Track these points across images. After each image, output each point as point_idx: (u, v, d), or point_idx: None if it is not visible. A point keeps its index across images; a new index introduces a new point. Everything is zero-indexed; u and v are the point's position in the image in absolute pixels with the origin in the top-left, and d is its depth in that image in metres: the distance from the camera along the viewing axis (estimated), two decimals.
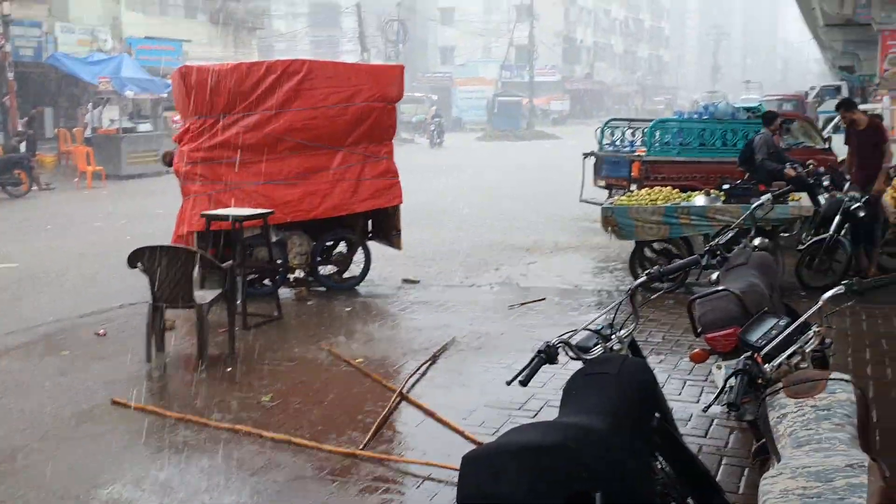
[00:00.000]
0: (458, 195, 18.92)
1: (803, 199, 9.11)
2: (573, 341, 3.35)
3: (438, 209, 16.54)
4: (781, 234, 9.69)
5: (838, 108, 10.08)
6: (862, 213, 9.02)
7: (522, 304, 8.59)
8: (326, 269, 9.64)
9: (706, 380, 6.02)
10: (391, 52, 51.23)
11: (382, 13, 55.89)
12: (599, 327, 3.52)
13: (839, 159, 13.20)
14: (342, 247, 9.80)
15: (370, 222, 9.86)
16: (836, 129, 17.76)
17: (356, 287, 9.44)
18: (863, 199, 9.16)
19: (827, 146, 13.26)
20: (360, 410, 5.63)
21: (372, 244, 9.77)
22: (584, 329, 3.48)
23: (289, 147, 8.82)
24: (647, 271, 3.82)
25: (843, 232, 9.03)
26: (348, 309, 8.60)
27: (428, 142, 37.95)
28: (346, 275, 9.64)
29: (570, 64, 72.81)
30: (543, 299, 8.77)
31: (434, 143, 37.68)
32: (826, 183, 9.89)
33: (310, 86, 8.84)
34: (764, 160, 10.47)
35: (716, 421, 5.27)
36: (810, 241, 9.10)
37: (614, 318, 3.58)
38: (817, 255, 8.97)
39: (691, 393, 5.82)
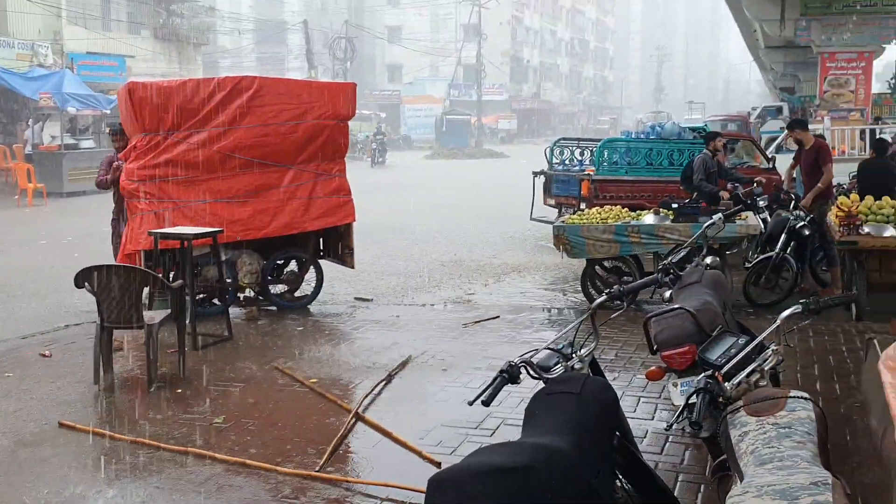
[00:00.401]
0: (410, 214, 18.92)
1: (750, 217, 9.30)
2: (535, 360, 3.35)
3: (391, 228, 16.52)
4: (727, 252, 9.89)
5: (790, 127, 10.34)
6: (807, 232, 9.27)
7: (476, 322, 8.61)
8: (277, 288, 9.56)
9: (660, 397, 6.09)
10: (339, 70, 51.20)
11: (329, 30, 55.98)
12: (560, 346, 3.54)
13: (783, 178, 13.58)
14: (293, 265, 9.72)
15: (322, 241, 9.81)
16: (778, 149, 18.30)
17: (308, 306, 9.37)
18: (807, 218, 9.43)
19: (771, 165, 13.59)
20: (316, 431, 5.56)
21: (324, 263, 9.72)
22: (545, 348, 3.49)
23: (239, 164, 8.72)
24: (607, 290, 3.85)
25: (788, 250, 9.26)
26: (300, 328, 8.52)
27: (369, 161, 36.51)
28: (297, 294, 9.57)
29: (517, 83, 73.64)
30: (497, 317, 8.80)
31: (376, 162, 36.16)
32: (763, 203, 10.09)
33: (260, 102, 8.76)
34: (701, 181, 10.66)
35: (671, 438, 5.32)
36: (757, 259, 9.31)
37: (575, 336, 3.60)
38: (764, 273, 9.17)
39: (646, 410, 5.87)
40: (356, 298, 9.98)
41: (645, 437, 5.33)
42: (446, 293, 10.39)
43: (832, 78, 20.34)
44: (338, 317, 9.08)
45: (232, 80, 8.79)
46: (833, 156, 12.35)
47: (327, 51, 52.33)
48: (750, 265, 9.36)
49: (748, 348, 3.36)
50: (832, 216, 8.72)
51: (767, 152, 15.84)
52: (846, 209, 8.23)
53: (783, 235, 9.29)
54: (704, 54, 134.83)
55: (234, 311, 8.96)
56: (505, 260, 12.80)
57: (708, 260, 5.64)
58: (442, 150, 48.78)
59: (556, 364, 3.41)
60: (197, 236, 7.76)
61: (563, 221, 9.61)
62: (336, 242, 9.69)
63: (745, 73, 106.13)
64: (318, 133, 9.01)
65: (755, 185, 11.07)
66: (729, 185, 11.09)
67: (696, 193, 10.77)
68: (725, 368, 3.19)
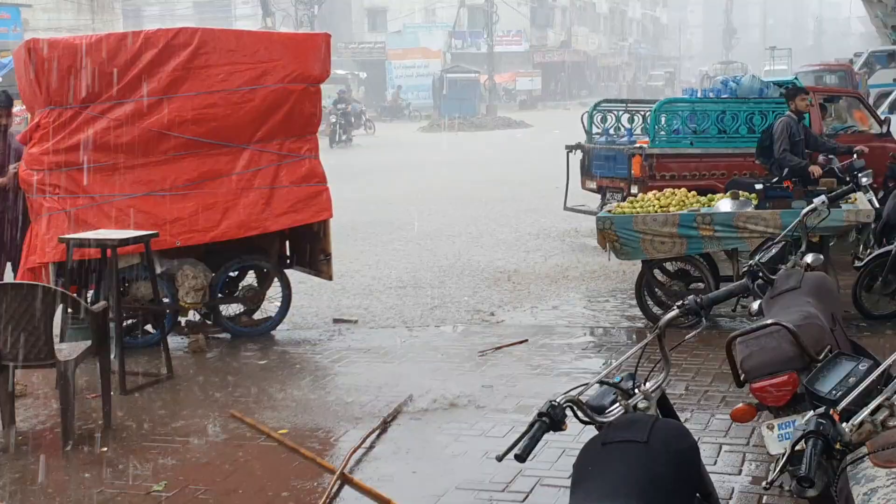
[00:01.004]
0: (405, 205, 18.96)
1: (860, 200, 9.28)
2: (584, 399, 3.32)
3: (379, 225, 16.53)
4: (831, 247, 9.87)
5: None
6: None
7: (498, 348, 8.58)
8: (231, 310, 9.55)
9: (749, 443, 6.07)
10: (303, 17, 51.34)
11: None
12: (617, 379, 3.51)
13: None
14: (251, 278, 9.72)
15: (289, 244, 9.80)
16: (894, 108, 18.27)
17: (272, 332, 9.37)
18: None
19: (885, 130, 13.59)
20: (288, 498, 5.54)
21: (292, 273, 9.71)
22: (598, 382, 3.46)
23: (177, 146, 8.72)
24: (679, 302, 3.81)
25: None
26: (263, 362, 8.50)
27: (328, 140, 34.99)
28: (257, 315, 9.57)
29: (540, 29, 73.79)
30: (525, 341, 8.78)
31: (335, 142, 35.85)
32: (866, 181, 10.08)
33: (204, 62, 8.77)
34: (785, 152, 10.68)
35: (765, 499, 5.29)
36: (871, 256, 9.28)
37: (637, 365, 3.57)
38: (881, 275, 9.15)
39: (731, 462, 5.85)
40: (336, 320, 9.95)
41: (731, 498, 5.31)
42: (457, 311, 10.37)
43: None
44: (312, 345, 9.05)
45: (165, 33, 8.79)
46: None
47: None
48: (862, 264, 9.33)
49: (872, 376, 3.32)
50: None
51: (879, 112, 15.83)
52: None
53: None
54: None
55: (173, 340, 8.94)
56: (532, 265, 12.81)
57: (808, 258, 5.62)
58: (442, 119, 48.87)
59: (613, 403, 3.38)
60: (123, 242, 7.74)
61: (608, 211, 9.60)
62: (308, 246, 9.69)
63: (843, 7, 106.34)
64: (282, 101, 9.01)
65: (855, 156, 11.05)
66: (821, 158, 11.10)
67: (777, 169, 10.77)
68: (842, 404, 3.15)
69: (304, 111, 9.24)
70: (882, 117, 14.25)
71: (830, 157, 11.17)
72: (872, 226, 9.26)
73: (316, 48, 9.29)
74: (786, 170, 10.66)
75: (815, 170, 10.65)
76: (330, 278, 9.69)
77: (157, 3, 60.60)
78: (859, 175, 10.39)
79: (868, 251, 9.54)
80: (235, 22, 58.99)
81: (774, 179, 9.92)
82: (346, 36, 66.85)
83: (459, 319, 9.97)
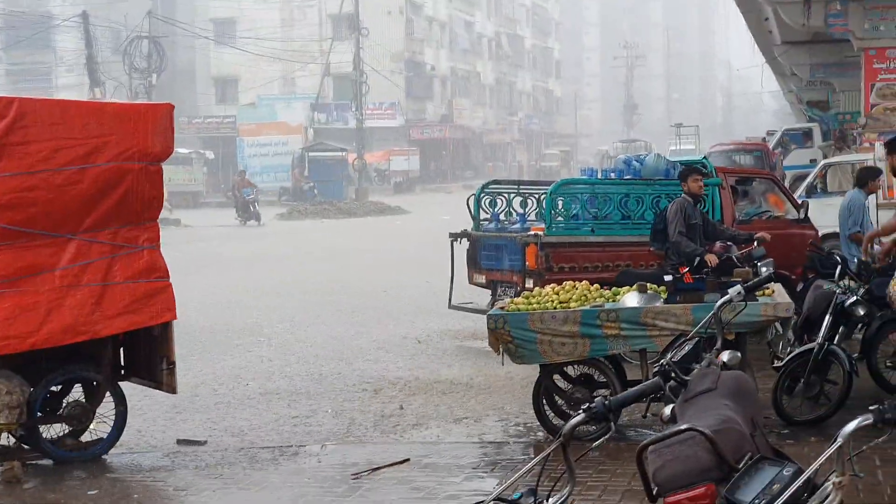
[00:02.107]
0: (259, 305, 18.84)
1: (779, 292, 9.61)
2: None
3: (230, 327, 16.37)
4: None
5: (891, 148, 10.74)
6: (862, 311, 9.61)
7: (375, 469, 8.53)
8: (54, 430, 9.32)
9: None
10: (139, 87, 51.17)
11: (123, 27, 55.89)
12: (517, 496, 3.57)
13: (820, 234, 14.12)
14: (78, 392, 9.50)
15: (124, 351, 9.65)
16: (811, 191, 19.05)
17: (103, 456, 9.18)
18: (862, 289, 9.78)
19: (802, 215, 14.10)
20: None
21: (127, 386, 9.55)
22: (494, 499, 3.52)
23: None
24: (586, 406, 3.91)
25: (837, 339, 9.57)
26: (93, 492, 8.31)
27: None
28: (85, 437, 9.37)
29: (417, 101, 74.90)
30: (407, 460, 8.75)
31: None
32: (766, 270, 10.36)
33: (22, 137, 8.67)
34: (680, 235, 11.04)
35: None
36: (791, 355, 9.57)
37: (538, 481, 3.64)
38: (803, 376, 9.43)
39: None
40: (180, 441, 9.81)
41: None
42: (324, 427, 10.30)
43: (882, 85, 21.39)
44: (153, 471, 8.88)
45: None
46: (891, 197, 12.99)
47: (120, 58, 52.26)
48: (782, 364, 9.62)
49: (798, 482, 3.45)
50: (894, 285, 9.10)
51: (796, 196, 16.47)
52: None
53: (827, 318, 9.60)
54: (693, 55, 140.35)
55: None
56: (412, 373, 12.82)
57: (724, 357, 5.76)
58: (303, 204, 48.88)
59: None
60: None
61: (501, 308, 9.71)
62: (146, 353, 9.53)
63: (755, 82, 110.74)
64: (117, 182, 8.94)
65: (756, 243, 11.47)
66: (718, 245, 11.51)
67: (674, 254, 11.10)
68: None
69: (143, 194, 9.16)
70: (799, 201, 14.79)
71: (729, 244, 11.57)
72: (793, 321, 9.58)
73: (156, 121, 9.26)
74: (677, 256, 11.01)
75: (711, 258, 11.00)
76: (173, 391, 9.53)
77: None
78: (759, 265, 10.77)
79: (788, 349, 9.83)
80: (57, 92, 58.51)
81: (670, 265, 10.23)
82: (190, 109, 66.66)
83: (328, 437, 9.89)
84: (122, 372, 9.65)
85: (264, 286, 21.57)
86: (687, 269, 9.95)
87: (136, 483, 8.58)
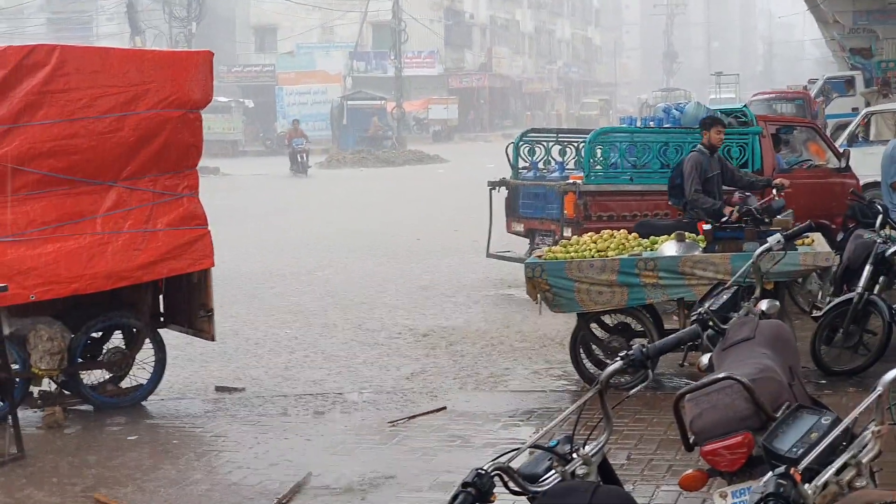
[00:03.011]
0: (296, 253, 18.89)
1: (818, 241, 9.53)
2: (515, 466, 3.36)
3: (268, 275, 16.44)
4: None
5: None
6: None
7: (411, 417, 8.58)
8: (94, 377, 9.41)
9: None
10: (179, 36, 51.12)
11: None
12: (553, 443, 3.56)
13: (861, 183, 13.97)
14: (118, 339, 9.58)
15: (163, 299, 9.71)
16: (852, 139, 18.83)
17: (143, 402, 9.26)
18: None
19: (843, 164, 13.96)
20: None
21: (166, 333, 9.63)
22: (531, 447, 3.51)
23: (31, 182, 8.61)
24: (623, 354, 3.88)
25: (877, 289, 9.48)
26: (133, 437, 8.40)
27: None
28: (125, 383, 9.45)
29: (456, 50, 74.54)
30: (443, 408, 8.80)
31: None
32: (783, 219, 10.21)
33: (63, 85, 8.69)
34: (697, 192, 10.87)
35: None
36: (830, 305, 9.51)
37: (575, 428, 3.63)
38: (842, 326, 9.37)
39: None
40: (219, 388, 9.87)
41: None
42: (361, 375, 10.34)
43: None
44: (192, 417, 8.97)
45: (16, 51, 8.71)
46: None
47: (160, 6, 52.25)
48: (821, 314, 9.56)
49: (836, 431, 3.42)
50: None
51: (837, 144, 16.29)
52: None
53: (867, 267, 9.51)
54: (734, 4, 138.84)
55: (25, 414, 8.76)
56: (450, 321, 12.85)
57: (763, 306, 5.74)
58: (342, 153, 48.90)
59: (548, 470, 3.43)
60: None
61: (538, 257, 9.69)
62: (185, 301, 9.60)
63: (796, 30, 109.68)
64: (157, 130, 8.97)
65: (775, 192, 11.26)
66: (737, 195, 11.35)
67: (691, 209, 10.97)
68: (804, 462, 3.24)
69: (182, 142, 9.20)
70: (841, 150, 14.63)
71: (748, 195, 11.40)
72: (833, 270, 9.50)
73: (195, 68, 9.27)
74: (694, 211, 10.88)
75: (729, 211, 10.90)
76: (212, 339, 9.60)
77: (4, 19, 59.80)
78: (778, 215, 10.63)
79: (828, 299, 9.76)
80: (98, 41, 58.54)
81: (725, 218, 10.13)
82: (229, 58, 66.63)
83: (364, 385, 9.94)
84: (162, 319, 9.74)
85: (304, 234, 21.62)
86: (708, 224, 9.80)
87: (174, 429, 8.68)
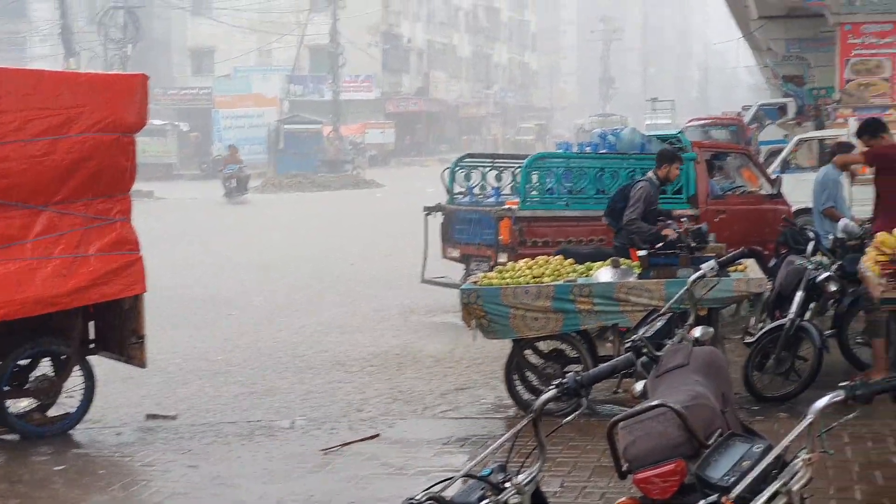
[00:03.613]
0: (230, 278, 18.78)
1: (750, 268, 9.62)
2: (448, 495, 3.35)
3: (202, 300, 16.31)
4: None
5: (862, 133, 10.69)
6: (833, 286, 9.63)
7: (345, 444, 8.53)
8: (21, 405, 9.29)
9: None
10: (114, 58, 50.74)
11: None
12: (486, 472, 3.55)
13: (794, 209, 14.17)
14: (46, 366, 9.44)
15: (93, 325, 9.61)
16: (785, 166, 19.10)
17: (71, 431, 9.15)
18: (834, 265, 9.79)
19: (776, 191, 14.13)
20: None
21: (96, 360, 9.51)
22: (465, 476, 3.49)
23: None
24: (558, 381, 3.89)
25: (808, 315, 9.60)
26: (60, 467, 8.29)
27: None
28: (52, 412, 9.31)
29: (393, 74, 74.68)
30: (377, 435, 8.76)
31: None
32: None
33: None
34: (635, 220, 10.88)
35: None
36: (763, 331, 9.60)
37: (509, 456, 3.62)
38: (774, 352, 9.46)
39: None
40: (149, 416, 9.79)
41: None
42: (294, 403, 10.28)
43: (857, 61, 21.39)
44: (121, 447, 8.87)
45: None
46: (864, 174, 12.98)
47: (95, 28, 51.83)
48: (753, 340, 9.64)
49: (768, 458, 3.45)
50: (869, 262, 9.10)
51: (770, 171, 16.52)
52: (890, 251, 8.61)
53: (799, 294, 9.62)
54: (670, 31, 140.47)
55: None
56: (384, 347, 12.81)
57: (697, 332, 5.76)
58: (279, 177, 48.72)
59: (481, 500, 3.42)
60: None
61: (473, 283, 9.69)
62: (116, 327, 9.50)
63: (731, 56, 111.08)
64: (90, 154, 8.88)
65: (683, 223, 11.28)
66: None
67: (625, 234, 11.00)
68: (736, 491, 3.26)
69: (116, 166, 9.13)
70: (773, 177, 14.83)
71: (669, 221, 11.51)
72: (765, 296, 9.60)
73: (130, 92, 9.22)
74: (629, 236, 10.94)
75: (669, 232, 11.00)
76: (143, 365, 9.49)
77: None
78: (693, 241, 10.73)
79: (760, 325, 9.86)
80: (31, 62, 57.86)
81: (619, 244, 10.23)
82: (165, 81, 66.23)
83: (298, 412, 9.87)
84: (92, 346, 9.61)
85: (236, 259, 21.50)
86: (643, 250, 9.85)
87: (103, 458, 8.56)
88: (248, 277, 18.86)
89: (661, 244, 10.05)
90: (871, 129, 10.47)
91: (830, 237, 10.82)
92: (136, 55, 52.01)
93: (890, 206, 9.99)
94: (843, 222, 11.34)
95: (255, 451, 8.56)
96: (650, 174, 11.35)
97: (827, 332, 9.89)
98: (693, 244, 9.99)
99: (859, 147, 11.02)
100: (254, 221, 30.75)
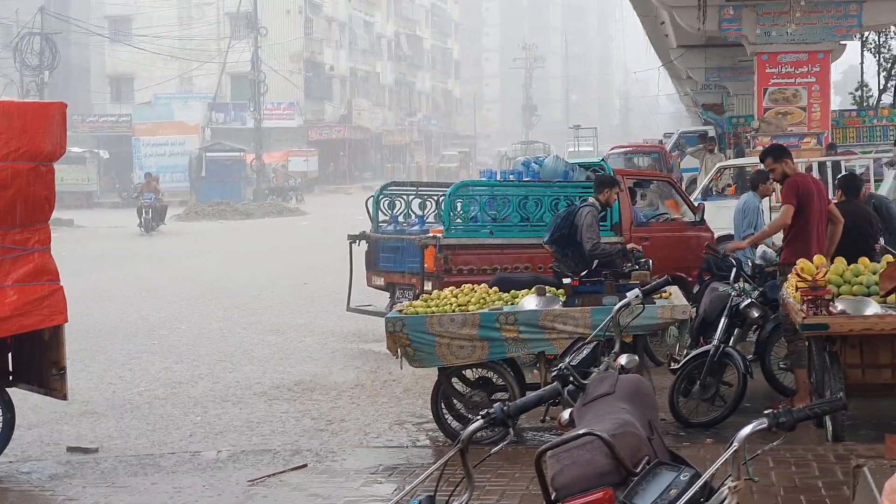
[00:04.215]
0: (151, 307, 18.60)
1: (674, 295, 9.73)
2: None
3: (124, 328, 16.13)
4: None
5: (765, 157, 10.83)
6: (756, 313, 9.78)
7: (272, 475, 8.47)
8: None
9: None
10: (31, 85, 50.17)
11: (15, 23, 54.82)
12: (416, 502, 3.54)
13: (716, 235, 14.36)
14: None
15: (11, 356, 9.44)
16: (706, 193, 19.37)
17: None
18: (756, 292, 9.95)
19: (699, 218, 14.31)
20: None
21: (14, 392, 9.35)
22: None
23: None
24: (485, 412, 3.89)
25: (732, 341, 9.73)
26: None
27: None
28: None
29: (316, 102, 74.58)
30: (304, 466, 8.70)
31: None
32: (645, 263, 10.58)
33: None
34: (598, 244, 11.07)
35: None
36: (688, 357, 9.72)
37: (437, 487, 3.62)
38: (699, 378, 9.57)
39: None
40: (70, 449, 9.66)
41: None
42: (219, 433, 10.20)
43: (774, 89, 21.85)
44: (41, 481, 8.73)
45: None
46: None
47: (11, 54, 51.20)
48: (678, 366, 9.75)
49: (695, 487, 3.48)
50: (789, 288, 9.25)
51: (692, 198, 16.72)
52: (810, 277, 8.76)
53: (723, 320, 9.76)
54: (592, 58, 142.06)
55: None
56: (310, 376, 12.76)
57: (623, 360, 5.81)
58: (201, 205, 48.38)
59: None
60: None
61: (399, 311, 9.69)
62: (36, 358, 9.34)
63: (651, 85, 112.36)
64: (6, 183, 8.73)
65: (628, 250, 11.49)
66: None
67: (577, 260, 11.14)
68: None
69: (34, 195, 8.97)
70: (696, 204, 15.01)
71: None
72: (689, 323, 9.71)
73: (48, 120, 9.08)
74: (573, 259, 11.08)
75: (635, 246, 11.12)
76: (64, 397, 9.34)
77: None
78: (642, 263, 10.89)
79: (685, 351, 9.97)
80: None
81: (568, 269, 10.31)
82: (84, 108, 65.56)
83: (223, 442, 9.80)
84: (10, 378, 9.44)
85: (158, 287, 21.28)
86: (584, 273, 9.97)
87: (23, 493, 8.41)
88: (171, 306, 18.67)
89: (586, 272, 10.15)
90: (774, 153, 10.65)
91: (750, 264, 11.01)
92: (54, 82, 51.59)
93: (797, 234, 10.14)
94: (760, 249, 11.58)
95: (180, 482, 8.45)
96: (591, 200, 11.54)
97: (750, 357, 10.03)
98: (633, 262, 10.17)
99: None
100: (176, 250, 30.44)
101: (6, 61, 52.24)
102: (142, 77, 68.95)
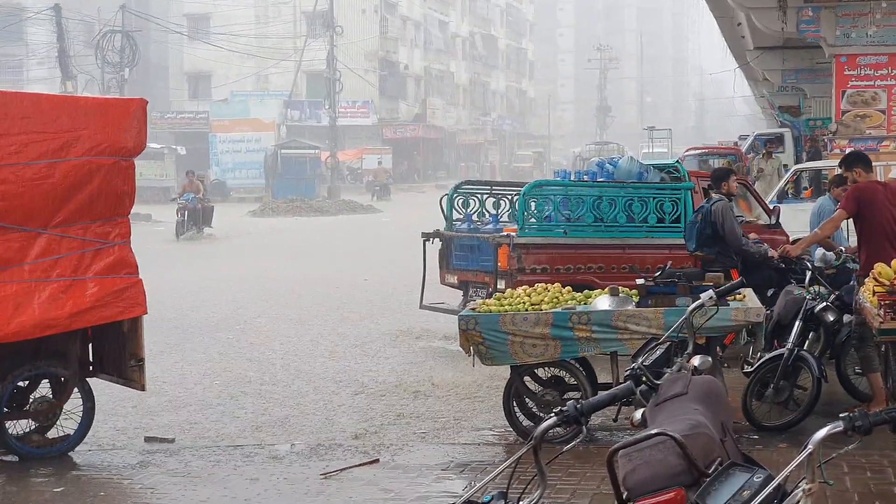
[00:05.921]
0: (230, 301, 18.77)
1: (749, 297, 9.65)
2: None
3: (202, 322, 16.30)
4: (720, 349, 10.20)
5: (841, 165, 10.74)
6: (832, 317, 9.66)
7: (344, 469, 8.53)
8: (19, 426, 9.24)
9: None
10: (112, 82, 50.88)
11: (96, 21, 55.65)
12: (487, 499, 3.56)
13: (791, 239, 14.19)
14: (45, 388, 9.43)
15: (92, 347, 9.60)
16: (782, 196, 19.14)
17: (70, 453, 9.12)
18: (832, 296, 9.83)
19: (774, 221, 14.17)
20: None
21: (95, 382, 9.50)
22: (465, 502, 3.51)
23: None
24: (557, 410, 3.90)
25: (807, 345, 9.63)
26: (59, 489, 8.27)
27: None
28: (52, 433, 9.28)
29: (391, 100, 74.88)
30: (376, 461, 8.76)
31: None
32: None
33: None
34: (742, 239, 11.17)
35: None
36: (761, 361, 9.62)
37: (509, 484, 3.63)
38: (772, 381, 9.48)
39: None
40: (148, 439, 9.77)
41: None
42: (294, 427, 10.28)
43: (853, 92, 21.55)
44: (120, 469, 8.85)
45: None
46: None
47: (93, 52, 51.98)
48: (752, 369, 9.66)
49: (768, 489, 3.46)
50: (866, 292, 9.13)
51: (767, 200, 16.54)
52: (888, 282, 8.64)
53: (797, 323, 9.66)
54: (666, 60, 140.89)
55: None
56: (383, 373, 12.80)
57: (696, 361, 5.78)
58: (275, 202, 48.73)
59: None
60: None
61: (472, 309, 9.71)
62: (115, 349, 9.50)
63: (728, 86, 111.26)
64: (88, 177, 8.89)
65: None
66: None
67: (726, 258, 11.17)
68: None
69: (115, 189, 9.13)
70: (771, 206, 14.85)
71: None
72: (764, 326, 9.62)
73: (129, 116, 9.23)
74: (722, 258, 11.14)
75: (776, 254, 11.12)
76: (142, 388, 9.49)
77: None
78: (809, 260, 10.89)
79: (759, 354, 9.89)
80: (28, 85, 58.02)
81: (658, 272, 10.25)
82: (162, 104, 66.42)
83: (297, 436, 9.87)
84: (91, 368, 9.61)
85: (237, 282, 21.47)
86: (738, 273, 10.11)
87: (102, 480, 8.54)
88: (247, 301, 18.83)
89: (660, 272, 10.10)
90: (847, 161, 10.59)
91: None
92: (133, 79, 52.25)
93: (862, 241, 10.07)
94: (819, 252, 11.45)
95: (254, 474, 8.55)
96: (716, 196, 11.66)
97: (825, 361, 9.93)
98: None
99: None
100: (252, 246, 30.71)
101: (88, 59, 53.02)
102: (219, 75, 69.77)
